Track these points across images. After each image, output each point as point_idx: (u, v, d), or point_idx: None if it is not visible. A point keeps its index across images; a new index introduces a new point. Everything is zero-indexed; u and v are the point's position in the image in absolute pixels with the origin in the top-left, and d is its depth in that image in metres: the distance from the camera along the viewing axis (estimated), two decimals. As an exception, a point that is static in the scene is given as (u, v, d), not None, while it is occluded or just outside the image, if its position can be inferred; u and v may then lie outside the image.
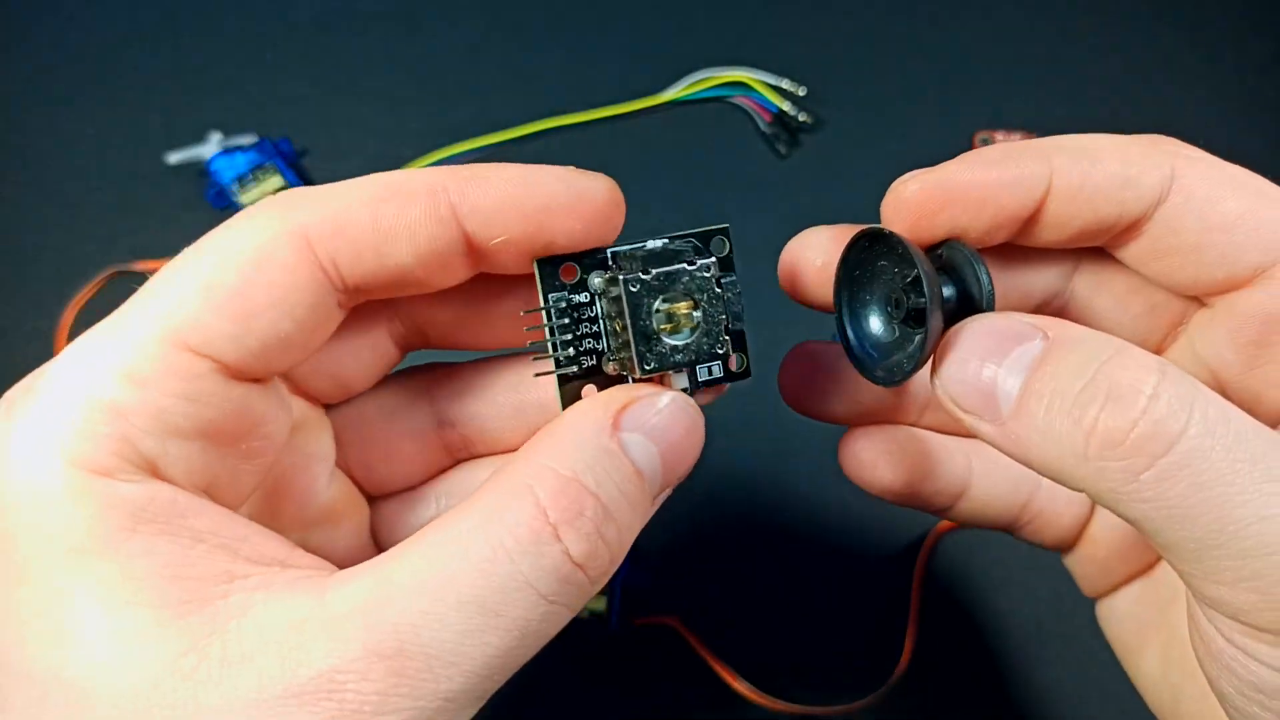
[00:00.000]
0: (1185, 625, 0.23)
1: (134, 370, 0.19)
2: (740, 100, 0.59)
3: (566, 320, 0.23)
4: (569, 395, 0.23)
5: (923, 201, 0.23)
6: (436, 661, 0.18)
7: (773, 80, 0.59)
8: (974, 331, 0.21)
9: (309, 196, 0.21)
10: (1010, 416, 0.20)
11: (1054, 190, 0.23)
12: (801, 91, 0.58)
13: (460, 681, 0.18)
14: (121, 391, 0.19)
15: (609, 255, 0.23)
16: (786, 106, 0.58)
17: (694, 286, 0.22)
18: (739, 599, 0.46)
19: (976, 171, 0.23)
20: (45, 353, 0.51)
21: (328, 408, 0.26)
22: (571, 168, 0.22)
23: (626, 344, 0.22)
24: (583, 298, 0.23)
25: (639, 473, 0.21)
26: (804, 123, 0.57)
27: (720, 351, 0.23)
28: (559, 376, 0.23)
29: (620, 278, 0.22)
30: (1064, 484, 0.20)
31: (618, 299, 0.22)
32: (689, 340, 0.22)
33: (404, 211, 0.21)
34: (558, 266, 0.23)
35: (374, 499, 0.28)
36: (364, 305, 0.24)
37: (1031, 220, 0.24)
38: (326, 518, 0.26)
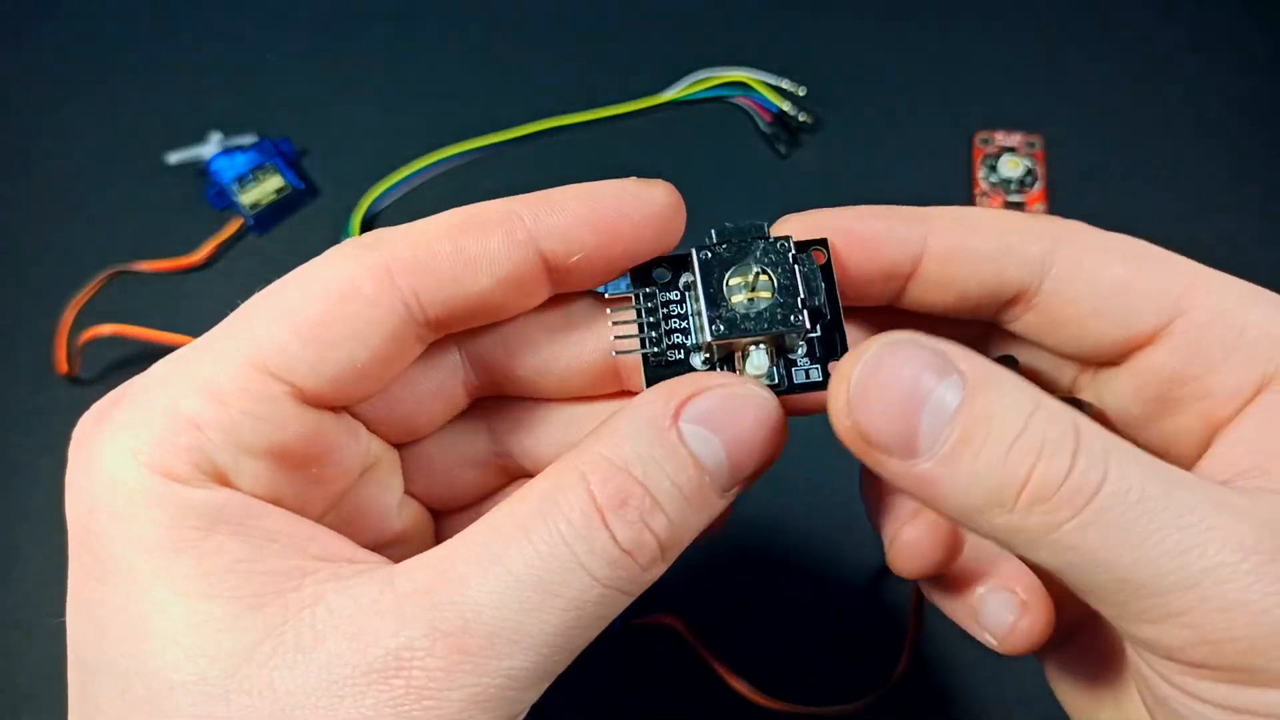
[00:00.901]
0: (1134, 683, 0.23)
1: (214, 387, 0.21)
2: (740, 100, 0.59)
3: (653, 318, 0.23)
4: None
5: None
6: (498, 639, 0.19)
7: (773, 80, 0.59)
8: (893, 361, 0.20)
9: (391, 234, 0.22)
10: (935, 459, 0.19)
11: (930, 250, 0.24)
12: (801, 91, 0.58)
13: (521, 659, 0.19)
14: (200, 406, 0.20)
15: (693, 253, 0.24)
16: (786, 106, 0.58)
17: (768, 260, 0.22)
18: (739, 599, 0.46)
19: (853, 219, 0.24)
20: (45, 353, 0.51)
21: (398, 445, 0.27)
22: (632, 179, 0.23)
23: (699, 314, 0.22)
24: (673, 295, 0.24)
25: (699, 465, 0.21)
26: (804, 123, 0.57)
27: (796, 322, 0.22)
28: (646, 367, 0.23)
29: (692, 250, 0.23)
30: (968, 527, 0.20)
31: (693, 282, 0.23)
32: (761, 309, 0.22)
33: (483, 239, 0.22)
34: (649, 270, 0.24)
35: (437, 513, 0.29)
36: (439, 356, 0.25)
37: (911, 279, 0.24)
38: (398, 540, 0.27)
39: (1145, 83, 0.59)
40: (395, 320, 0.22)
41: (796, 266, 0.23)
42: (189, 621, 0.19)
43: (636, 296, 0.23)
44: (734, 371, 0.24)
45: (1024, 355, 0.27)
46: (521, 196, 0.22)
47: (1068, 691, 0.28)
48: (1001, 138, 0.57)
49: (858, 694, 0.43)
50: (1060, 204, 0.55)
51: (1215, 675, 0.19)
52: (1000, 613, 0.27)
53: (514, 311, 0.24)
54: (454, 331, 0.24)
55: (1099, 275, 0.23)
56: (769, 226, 0.24)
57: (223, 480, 0.20)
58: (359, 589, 0.20)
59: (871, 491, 0.28)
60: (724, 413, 0.21)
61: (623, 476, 0.20)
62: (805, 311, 0.22)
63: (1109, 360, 0.25)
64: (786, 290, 0.22)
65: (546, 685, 0.20)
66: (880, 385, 0.20)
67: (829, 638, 0.45)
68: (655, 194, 0.23)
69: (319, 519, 0.23)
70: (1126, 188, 0.56)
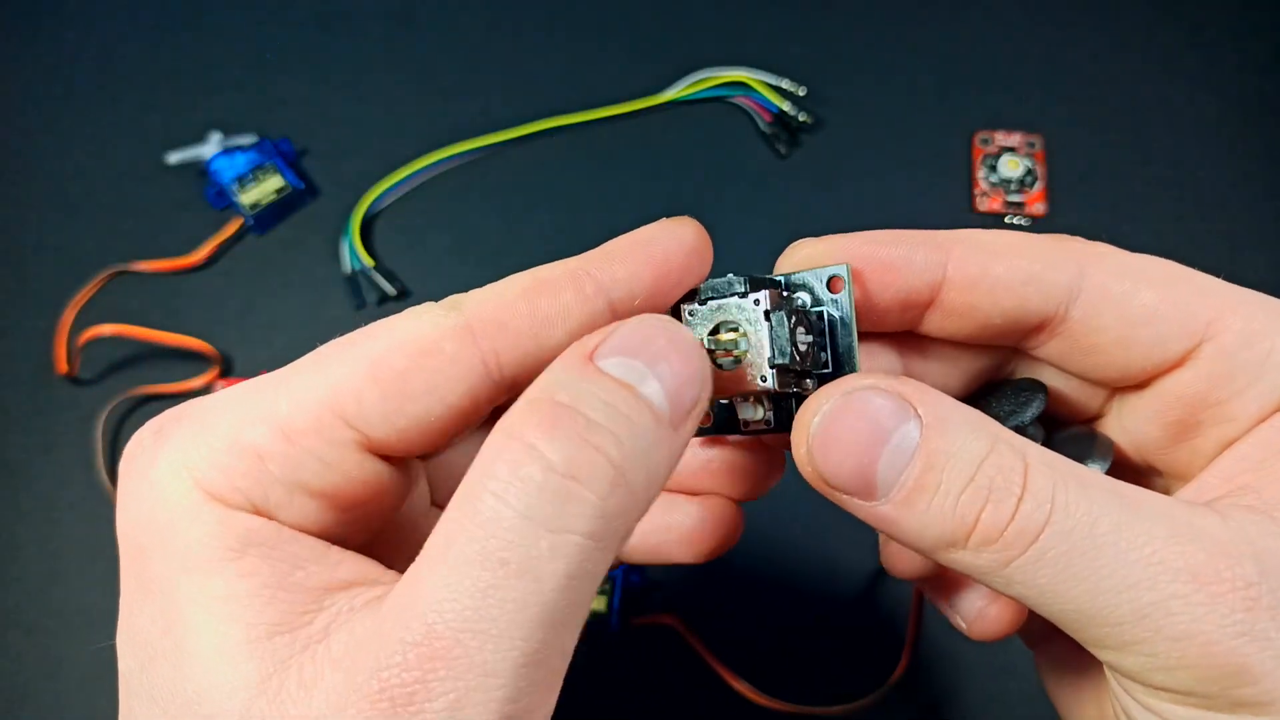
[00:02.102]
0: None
1: (284, 422, 0.21)
2: (740, 100, 0.59)
3: None
4: None
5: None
6: (463, 634, 0.17)
7: (773, 80, 0.59)
8: (850, 411, 0.21)
9: (468, 299, 0.22)
10: (892, 502, 0.20)
11: (950, 279, 0.23)
12: (801, 91, 0.58)
13: (494, 649, 0.17)
14: (266, 437, 0.21)
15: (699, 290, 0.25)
16: (786, 106, 0.58)
17: (744, 318, 0.23)
18: (739, 599, 0.46)
19: (868, 246, 0.24)
20: (45, 353, 0.51)
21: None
22: (663, 220, 0.24)
23: None
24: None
25: (626, 386, 0.19)
26: (804, 123, 0.57)
27: (761, 384, 0.23)
28: None
29: (683, 306, 0.24)
30: (932, 559, 0.21)
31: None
32: (731, 369, 0.23)
33: (557, 298, 0.22)
34: (676, 308, 0.25)
35: None
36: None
37: (930, 307, 0.24)
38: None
39: (1145, 83, 0.59)
40: (473, 378, 0.22)
41: (767, 325, 0.23)
42: (216, 646, 0.19)
43: None
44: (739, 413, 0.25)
45: (1049, 378, 0.26)
46: (582, 256, 0.23)
47: (1054, 685, 0.29)
48: (1001, 138, 0.57)
49: (858, 694, 0.43)
50: (1060, 204, 0.55)
51: (1175, 698, 0.20)
52: (971, 598, 0.27)
53: None
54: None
55: (1127, 303, 0.23)
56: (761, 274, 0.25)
57: (267, 512, 0.21)
58: (360, 619, 0.20)
59: None
60: (637, 340, 0.20)
61: (545, 403, 0.19)
62: (773, 371, 0.23)
63: (1135, 385, 0.25)
64: (758, 350, 0.23)
65: (554, 676, 0.19)
66: (836, 437, 0.21)
67: (829, 638, 0.45)
68: (688, 232, 0.24)
69: (356, 548, 0.23)
70: (1126, 188, 0.56)
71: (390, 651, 0.18)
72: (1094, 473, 0.20)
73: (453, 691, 0.17)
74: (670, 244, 0.23)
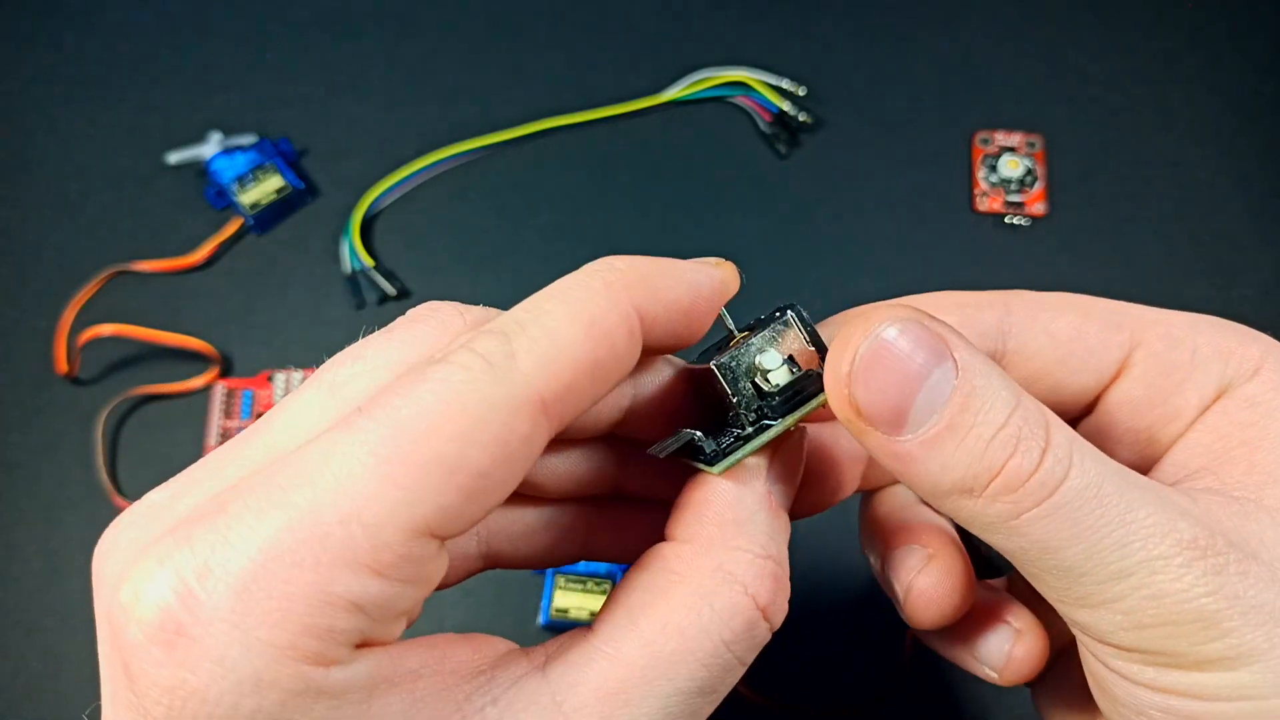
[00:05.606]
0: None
1: (376, 562, 0.17)
2: (740, 100, 0.59)
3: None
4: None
5: None
6: None
7: (773, 80, 0.59)
8: (900, 341, 0.20)
9: (527, 347, 0.19)
10: (918, 440, 0.20)
11: None
12: (801, 91, 0.58)
13: None
14: (359, 585, 0.17)
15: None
16: (786, 106, 0.58)
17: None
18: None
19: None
20: (45, 353, 0.51)
21: None
22: (711, 262, 0.23)
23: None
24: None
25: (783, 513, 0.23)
26: (804, 123, 0.57)
27: (704, 450, 0.22)
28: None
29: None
30: (934, 504, 0.22)
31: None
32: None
33: (614, 349, 0.20)
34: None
35: None
36: None
37: None
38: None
39: (1145, 83, 0.59)
40: (537, 454, 0.20)
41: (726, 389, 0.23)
42: None
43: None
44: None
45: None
46: (624, 277, 0.21)
47: (1049, 715, 0.29)
48: (1001, 138, 0.57)
49: (858, 694, 0.43)
50: (1060, 204, 0.55)
51: (1144, 659, 0.21)
52: (996, 643, 0.28)
53: None
54: None
55: (1054, 325, 0.25)
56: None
57: (371, 643, 0.19)
58: (524, 714, 0.19)
59: (876, 544, 0.29)
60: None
61: (770, 566, 0.22)
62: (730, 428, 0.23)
63: (1088, 407, 0.26)
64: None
65: None
66: (882, 363, 0.20)
67: (829, 638, 0.45)
68: (732, 283, 0.23)
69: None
70: (1126, 188, 0.56)
71: None
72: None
73: None
74: (714, 296, 0.23)
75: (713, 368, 0.22)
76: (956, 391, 0.20)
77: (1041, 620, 0.28)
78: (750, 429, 0.22)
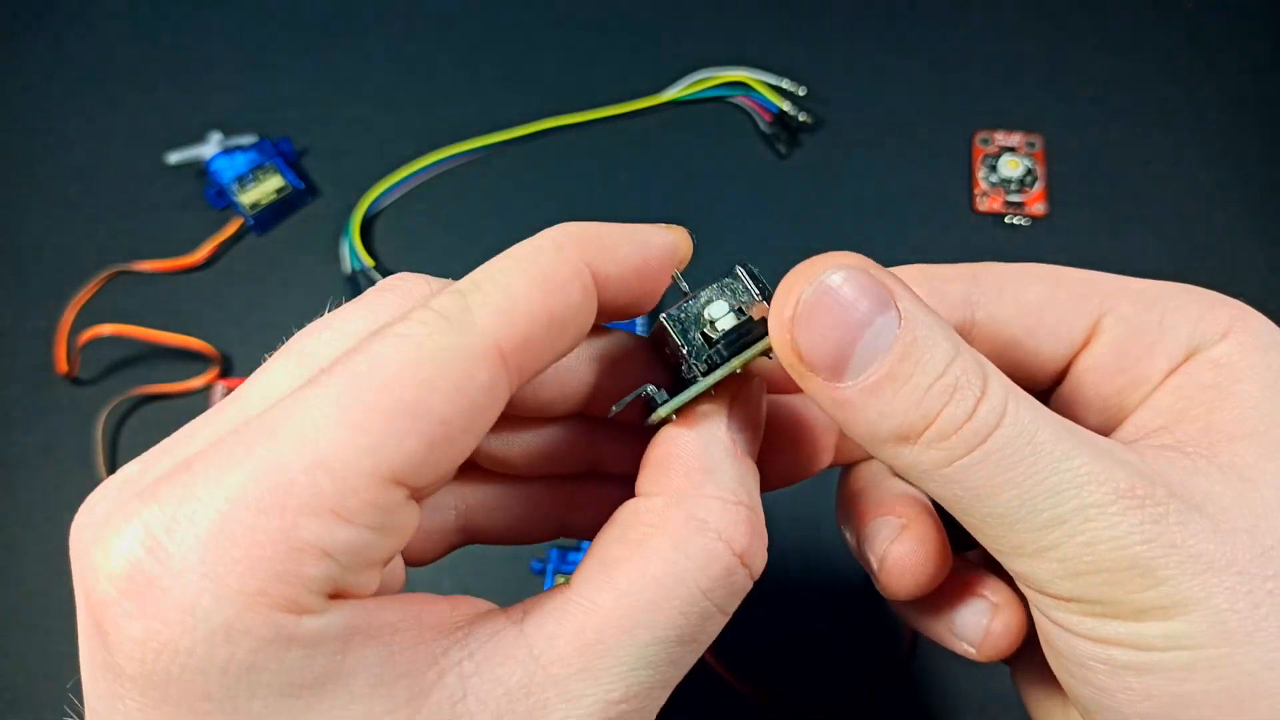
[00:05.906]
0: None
1: (338, 506, 0.18)
2: (740, 100, 0.59)
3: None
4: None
5: None
6: (655, 701, 0.21)
7: (773, 80, 0.59)
8: (843, 288, 0.21)
9: (481, 301, 0.20)
10: (858, 387, 0.21)
11: None
12: (801, 91, 0.58)
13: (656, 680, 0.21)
14: (325, 530, 0.17)
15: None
16: (786, 106, 0.58)
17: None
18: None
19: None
20: (45, 353, 0.51)
21: None
22: (662, 226, 0.24)
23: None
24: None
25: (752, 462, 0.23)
26: (804, 123, 0.57)
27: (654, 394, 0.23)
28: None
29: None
30: (873, 452, 0.22)
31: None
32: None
33: (567, 300, 0.21)
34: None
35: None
36: None
37: None
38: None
39: (1145, 83, 0.59)
40: (501, 404, 0.20)
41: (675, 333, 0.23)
42: None
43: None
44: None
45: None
46: (572, 234, 0.22)
47: (1026, 693, 0.29)
48: (1001, 138, 0.57)
49: (856, 689, 0.43)
50: (1060, 204, 0.55)
51: (1082, 609, 0.21)
52: (974, 618, 0.27)
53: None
54: None
55: (1022, 295, 0.25)
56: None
57: (344, 594, 0.19)
58: (500, 665, 0.19)
59: (851, 518, 0.28)
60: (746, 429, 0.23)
61: (744, 511, 0.22)
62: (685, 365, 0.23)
63: (1058, 375, 0.26)
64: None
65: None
66: (825, 309, 0.20)
67: (828, 632, 0.45)
68: (684, 247, 0.24)
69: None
70: (1126, 188, 0.56)
71: (584, 714, 0.19)
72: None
73: None
74: (664, 255, 0.23)
75: (662, 319, 0.23)
76: (898, 341, 0.20)
77: (1019, 596, 0.27)
78: (701, 378, 0.23)
